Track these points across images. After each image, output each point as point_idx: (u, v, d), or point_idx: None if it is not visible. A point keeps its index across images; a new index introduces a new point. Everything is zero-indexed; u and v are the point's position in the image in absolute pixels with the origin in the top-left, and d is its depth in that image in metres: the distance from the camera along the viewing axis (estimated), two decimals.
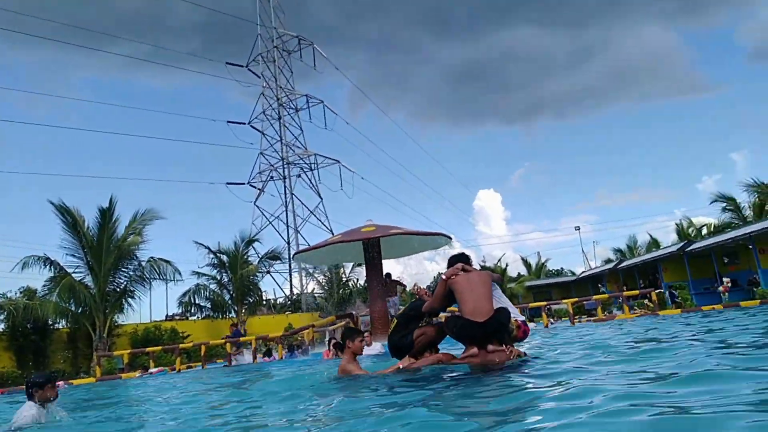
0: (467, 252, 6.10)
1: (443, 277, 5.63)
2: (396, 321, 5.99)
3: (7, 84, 76.06)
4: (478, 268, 6.05)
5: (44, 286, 22.61)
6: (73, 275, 22.22)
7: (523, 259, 48.31)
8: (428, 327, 5.77)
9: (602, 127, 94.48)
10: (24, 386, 5.01)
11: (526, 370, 4.77)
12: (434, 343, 5.80)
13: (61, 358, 23.09)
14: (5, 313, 21.73)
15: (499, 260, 42.87)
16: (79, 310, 22.21)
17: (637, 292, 22.15)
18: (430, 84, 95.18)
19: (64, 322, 23.51)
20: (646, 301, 22.47)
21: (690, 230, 35.65)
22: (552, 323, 18.48)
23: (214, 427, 3.89)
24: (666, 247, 33.03)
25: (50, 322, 22.99)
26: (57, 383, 5.19)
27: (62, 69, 73.55)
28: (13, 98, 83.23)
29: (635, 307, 21.09)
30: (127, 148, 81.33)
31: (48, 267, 22.12)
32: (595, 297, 20.60)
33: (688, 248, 25.96)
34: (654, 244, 38.73)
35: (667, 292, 23.17)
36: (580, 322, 17.61)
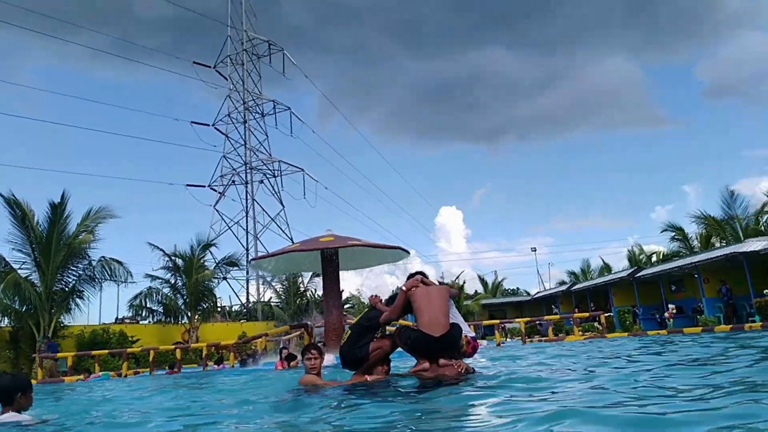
0: (426, 268, 6.21)
1: (403, 288, 5.72)
2: (350, 331, 6.01)
3: None
4: (436, 283, 6.16)
5: None
6: (19, 271, 21.43)
7: (480, 277, 49.05)
8: (384, 340, 5.79)
9: (564, 151, 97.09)
10: (3, 388, 4.09)
11: (475, 385, 4.89)
12: (387, 356, 5.84)
13: (1, 358, 22.14)
14: None
15: (458, 277, 43.33)
16: (24, 309, 21.40)
17: (587, 314, 22.79)
18: (399, 97, 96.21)
19: (6, 321, 22.61)
20: (596, 324, 23.10)
21: (641, 257, 36.91)
22: (504, 342, 18.79)
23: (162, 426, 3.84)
24: (617, 272, 34.08)
25: None
26: None
27: (16, 54, 71.10)
28: None
29: (585, 330, 21.65)
30: (84, 143, 79.05)
31: None
32: (547, 317, 21.05)
33: (638, 274, 26.87)
34: (606, 268, 39.93)
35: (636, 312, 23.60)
36: (531, 341, 17.96)
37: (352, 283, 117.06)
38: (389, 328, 6.33)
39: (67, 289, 22.40)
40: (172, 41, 75.44)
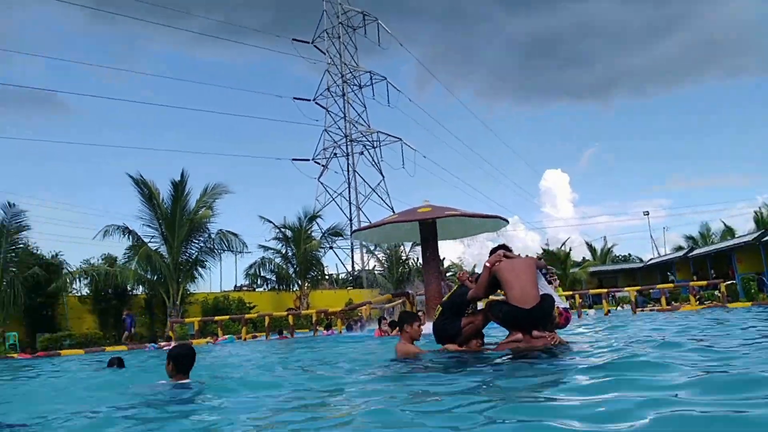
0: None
1: (486, 264, 5.76)
2: (441, 307, 6.19)
3: (88, 59, 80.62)
4: (533, 255, 6.18)
5: (124, 254, 24.30)
6: (150, 245, 23.71)
7: (588, 243, 47.11)
8: (476, 316, 5.92)
9: (682, 105, 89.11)
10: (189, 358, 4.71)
11: (564, 357, 4.91)
12: (480, 331, 5.96)
13: (139, 322, 24.82)
14: (89, 278, 23.56)
15: (564, 244, 41.84)
16: (155, 278, 23.74)
17: (705, 282, 21.30)
18: (498, 58, 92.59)
19: (141, 289, 25.24)
20: (716, 293, 21.61)
21: None
22: (613, 311, 18.15)
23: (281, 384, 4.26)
24: (742, 236, 31.33)
25: (129, 288, 24.73)
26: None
27: (137, 43, 76.87)
28: (94, 72, 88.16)
29: (705, 299, 20.33)
30: (196, 123, 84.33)
31: (127, 236, 23.68)
32: (660, 286, 20.00)
33: (766, 238, 24.58)
34: (729, 232, 36.79)
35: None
36: (642, 310, 17.20)
37: (454, 251, 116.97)
38: (480, 303, 6.42)
39: (190, 260, 24.50)
40: (271, 20, 77.98)
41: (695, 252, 32.74)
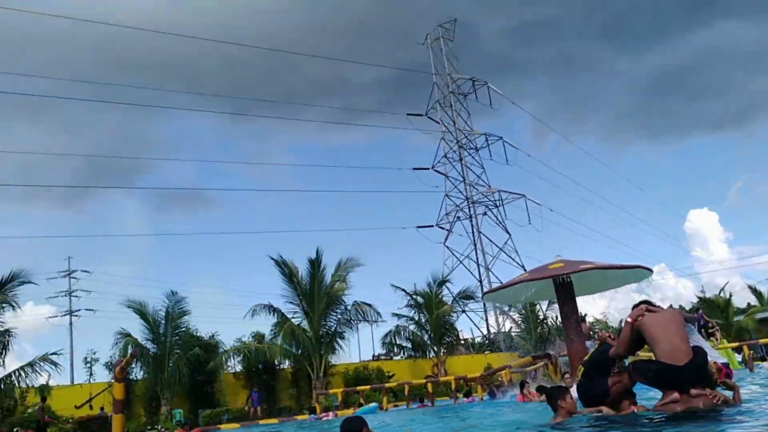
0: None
1: (628, 319, 5.47)
2: (582, 367, 5.95)
3: (228, 157, 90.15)
4: (686, 304, 5.82)
5: (270, 330, 25.99)
6: (293, 320, 25.15)
7: (751, 287, 42.03)
8: (622, 374, 5.61)
9: None
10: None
11: (731, 416, 4.51)
12: (629, 390, 5.63)
13: (287, 395, 26.03)
14: (241, 355, 25.36)
15: (722, 289, 37.75)
16: (299, 351, 24.98)
17: None
18: (617, 101, 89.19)
19: (287, 363, 26.60)
20: None
21: None
22: None
23: None
24: None
25: (276, 363, 26.19)
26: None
27: (269, 136, 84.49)
28: (234, 168, 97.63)
29: None
30: (326, 203, 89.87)
31: (272, 313, 25.38)
32: None
33: None
34: None
35: None
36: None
37: (598, 305, 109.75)
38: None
39: (330, 332, 25.54)
40: (386, 100, 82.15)
41: None
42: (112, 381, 21.67)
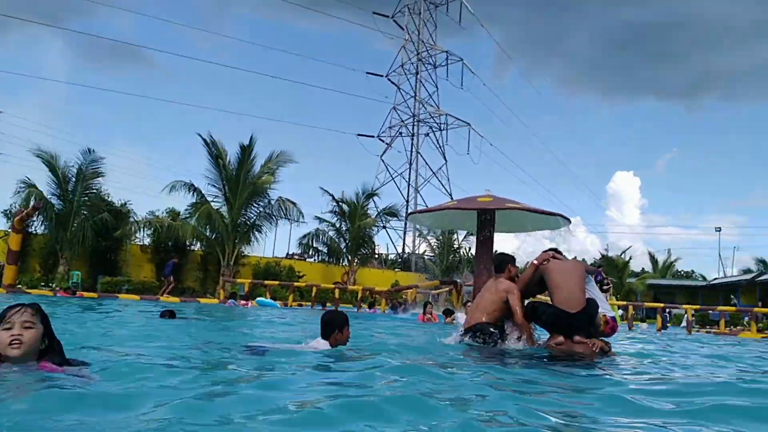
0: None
1: (534, 262, 5.67)
2: None
3: (176, 18, 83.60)
4: (590, 260, 5.96)
5: (186, 209, 25.24)
6: (212, 204, 24.47)
7: (650, 254, 45.28)
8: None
9: None
10: (325, 322, 4.56)
11: (603, 367, 4.72)
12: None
13: (193, 277, 25.80)
14: (152, 229, 24.61)
15: (624, 252, 40.36)
16: (213, 236, 24.54)
17: None
18: (584, 48, 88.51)
19: (199, 245, 26.18)
20: None
21: None
22: (666, 329, 17.39)
23: None
24: None
25: (188, 243, 25.70)
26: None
27: (226, 6, 78.76)
28: (181, 32, 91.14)
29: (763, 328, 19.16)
30: (268, 88, 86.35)
31: (192, 193, 24.54)
32: (720, 308, 18.99)
33: None
34: None
35: None
36: (698, 332, 16.40)
37: (508, 245, 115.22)
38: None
39: (248, 223, 25.16)
40: None
41: (765, 277, 30.88)
42: (9, 231, 20.59)
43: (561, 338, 5.26)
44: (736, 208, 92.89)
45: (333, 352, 4.37)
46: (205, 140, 24.33)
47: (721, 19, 77.32)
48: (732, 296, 33.08)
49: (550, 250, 5.90)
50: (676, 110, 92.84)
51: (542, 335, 5.72)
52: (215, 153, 24.37)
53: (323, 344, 4.50)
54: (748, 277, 33.47)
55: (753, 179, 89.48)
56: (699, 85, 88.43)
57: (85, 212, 22.45)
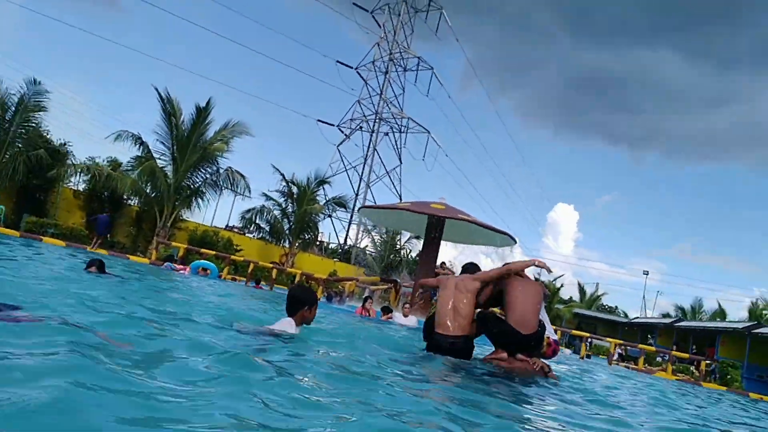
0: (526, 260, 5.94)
1: (510, 266, 5.54)
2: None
3: None
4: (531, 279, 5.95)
5: (129, 162, 24.06)
6: (158, 161, 23.44)
7: (579, 285, 46.97)
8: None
9: (711, 179, 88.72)
10: (294, 298, 4.26)
11: (541, 385, 4.74)
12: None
13: (125, 232, 24.70)
14: (90, 175, 23.34)
15: (556, 279, 41.75)
16: (153, 195, 23.51)
17: (687, 355, 21.12)
18: (548, 81, 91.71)
19: (136, 201, 25.04)
20: (692, 368, 21.49)
21: (765, 312, 33.45)
22: (588, 357, 17.99)
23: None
24: (731, 321, 31.20)
25: (125, 197, 24.54)
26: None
27: None
28: None
29: (678, 371, 20.17)
30: (235, 57, 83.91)
31: (138, 146, 23.39)
32: (641, 345, 19.84)
33: (755, 329, 24.42)
34: (720, 314, 36.65)
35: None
36: (617, 364, 17.05)
37: (448, 254, 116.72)
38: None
39: (192, 187, 24.26)
40: None
41: (682, 323, 32.58)
42: None
43: (504, 354, 5.24)
44: (659, 256, 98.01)
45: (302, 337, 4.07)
46: (160, 95, 23.26)
47: (679, 84, 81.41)
48: (649, 336, 34.75)
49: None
50: (621, 157, 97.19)
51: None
52: (169, 110, 23.33)
53: (288, 323, 4.16)
54: (667, 320, 35.22)
55: (679, 233, 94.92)
56: (647, 139, 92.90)
57: (20, 145, 21.02)
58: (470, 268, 5.84)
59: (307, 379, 2.84)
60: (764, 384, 22.06)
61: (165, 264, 15.81)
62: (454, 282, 5.56)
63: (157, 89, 23.26)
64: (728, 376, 20.75)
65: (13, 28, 70.05)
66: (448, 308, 5.40)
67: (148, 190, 23.58)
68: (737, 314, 37.17)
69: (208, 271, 17.05)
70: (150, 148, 23.47)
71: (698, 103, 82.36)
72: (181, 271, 15.20)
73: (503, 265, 5.70)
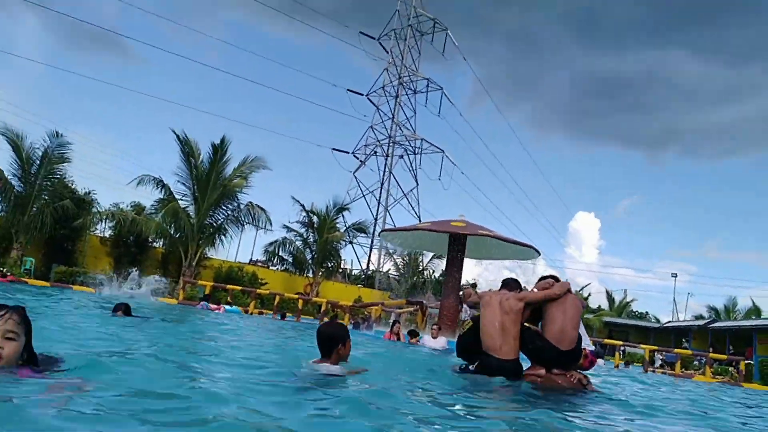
0: (550, 272, 5.95)
1: (555, 291, 5.37)
2: (471, 323, 5.99)
3: (161, 11, 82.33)
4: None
5: (152, 205, 24.61)
6: (180, 202, 23.93)
7: (608, 292, 46.30)
8: None
9: (733, 174, 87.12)
10: (326, 337, 4.00)
11: (584, 398, 4.74)
12: None
13: (152, 273, 25.10)
14: (115, 221, 23.89)
15: (583, 288, 41.29)
16: (177, 235, 23.94)
17: (725, 356, 20.66)
18: (558, 90, 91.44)
19: (161, 243, 25.50)
20: (731, 369, 20.98)
21: None
22: (623, 366, 17.70)
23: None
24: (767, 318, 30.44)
25: (150, 240, 25.00)
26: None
27: (211, 7, 78.09)
28: (165, 25, 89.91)
29: (717, 373, 19.73)
30: (249, 94, 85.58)
31: (159, 189, 23.95)
32: (677, 350, 19.47)
33: None
34: (755, 311, 35.76)
35: None
36: (653, 371, 16.75)
37: (472, 271, 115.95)
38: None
39: (215, 225, 24.67)
40: (343, 8, 78.32)
41: (716, 324, 31.86)
42: None
43: (542, 370, 5.20)
44: (686, 258, 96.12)
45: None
46: (178, 137, 23.90)
47: (691, 81, 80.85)
48: (684, 340, 33.98)
49: (550, 277, 5.64)
50: (639, 159, 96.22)
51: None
52: (187, 151, 23.92)
53: (326, 369, 3.87)
54: (701, 322, 34.47)
55: (705, 232, 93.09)
56: (664, 139, 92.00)
57: (46, 197, 21.69)
58: (511, 283, 5.68)
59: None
60: None
61: (201, 303, 16.07)
62: (498, 300, 5.40)
63: (174, 132, 23.93)
64: None
65: (35, 83, 72.47)
66: (496, 328, 5.25)
67: (172, 232, 24.03)
68: None
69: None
70: (171, 189, 24.01)
71: (712, 98, 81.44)
72: (216, 311, 15.41)
73: (545, 289, 5.51)
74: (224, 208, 24.78)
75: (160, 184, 23.86)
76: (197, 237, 23.72)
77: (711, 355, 18.95)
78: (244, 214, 25.11)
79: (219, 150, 24.12)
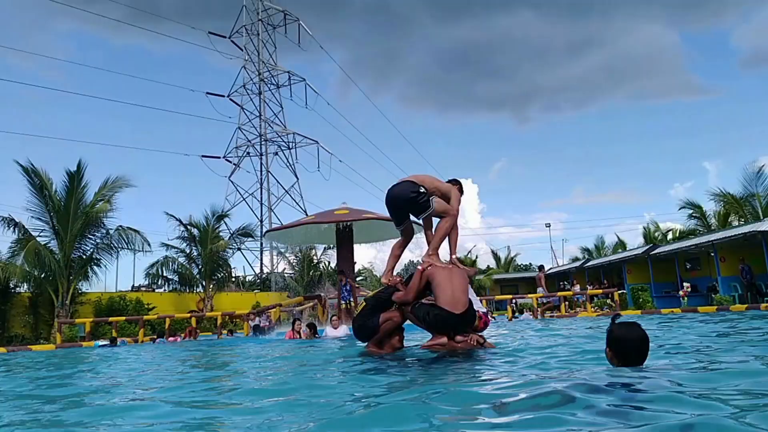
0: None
1: (419, 268, 5.64)
2: (365, 302, 6.04)
3: None
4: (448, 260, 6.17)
5: (9, 248, 22.13)
6: (38, 239, 21.75)
7: (493, 252, 49.05)
8: (394, 312, 5.78)
9: (588, 122, 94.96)
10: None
11: (487, 358, 4.95)
12: (400, 326, 5.84)
13: (21, 322, 22.68)
14: None
15: (470, 251, 43.41)
16: (43, 275, 21.77)
17: (600, 291, 22.67)
18: (422, 65, 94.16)
19: (26, 287, 23.05)
20: (608, 301, 23.07)
21: (656, 234, 36.60)
22: (516, 317, 18.83)
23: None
24: (632, 249, 33.85)
25: (11, 286, 22.51)
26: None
27: (44, 21, 71.12)
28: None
29: (596, 307, 21.62)
30: (101, 111, 79.43)
31: (12, 229, 21.62)
32: (559, 293, 21.06)
33: (653, 252, 26.67)
34: (620, 245, 39.65)
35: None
36: (543, 316, 18.00)
37: (365, 255, 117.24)
38: None
39: (84, 256, 22.70)
40: (189, 8, 74.70)
41: (590, 263, 34.88)
42: None
43: (444, 339, 5.40)
44: (560, 206, 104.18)
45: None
46: (24, 168, 21.60)
47: (538, 40, 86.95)
48: (566, 282, 36.83)
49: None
50: (504, 122, 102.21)
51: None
52: (38, 183, 21.71)
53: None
54: (577, 264, 37.58)
55: (571, 180, 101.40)
56: (524, 99, 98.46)
57: None
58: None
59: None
60: (670, 298, 24.14)
61: (96, 342, 14.97)
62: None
63: (19, 163, 21.60)
64: (640, 300, 22.47)
65: None
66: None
67: (36, 273, 21.79)
68: (635, 241, 40.42)
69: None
70: (26, 228, 21.75)
71: (561, 53, 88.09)
72: (171, 341, 14.71)
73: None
74: (91, 237, 22.85)
75: (11, 223, 21.51)
76: (66, 273, 21.71)
77: (589, 291, 20.72)
78: (115, 240, 23.36)
79: (75, 177, 22.14)
